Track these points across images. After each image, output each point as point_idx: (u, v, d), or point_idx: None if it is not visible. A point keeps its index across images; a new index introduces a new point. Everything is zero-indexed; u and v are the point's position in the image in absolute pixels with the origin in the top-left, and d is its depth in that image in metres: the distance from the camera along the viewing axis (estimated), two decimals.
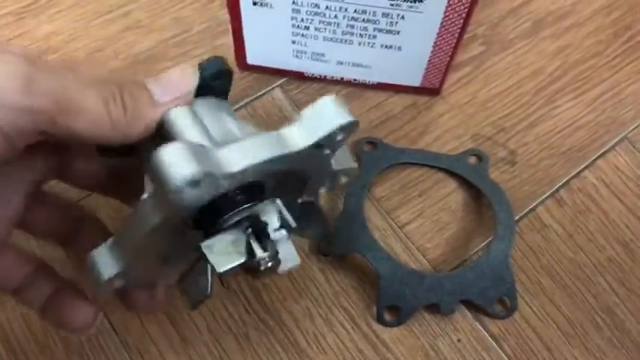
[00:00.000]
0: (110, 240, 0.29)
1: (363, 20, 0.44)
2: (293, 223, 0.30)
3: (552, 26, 0.55)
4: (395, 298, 0.44)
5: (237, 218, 0.29)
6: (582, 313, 0.45)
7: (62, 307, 0.32)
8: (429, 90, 0.51)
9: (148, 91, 0.28)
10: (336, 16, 0.44)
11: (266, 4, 0.44)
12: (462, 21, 0.43)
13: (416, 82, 0.50)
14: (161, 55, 0.52)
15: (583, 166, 0.50)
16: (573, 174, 0.49)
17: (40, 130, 0.25)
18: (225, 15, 0.46)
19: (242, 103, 0.50)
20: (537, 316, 0.44)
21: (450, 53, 0.47)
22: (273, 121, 0.50)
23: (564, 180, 0.49)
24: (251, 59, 0.50)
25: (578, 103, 0.52)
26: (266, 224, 0.30)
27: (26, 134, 0.24)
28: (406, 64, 0.48)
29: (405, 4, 0.42)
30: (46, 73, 0.24)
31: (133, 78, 0.29)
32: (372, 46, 0.47)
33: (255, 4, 0.44)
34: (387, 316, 0.44)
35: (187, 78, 0.29)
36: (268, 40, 0.48)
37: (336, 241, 0.45)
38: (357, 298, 0.44)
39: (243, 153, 0.27)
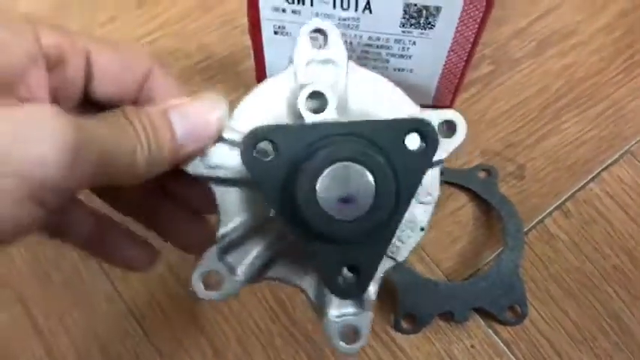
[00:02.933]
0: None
1: (377, 46, 0.47)
2: None
3: (557, 45, 0.58)
4: (412, 306, 0.46)
5: None
6: (590, 319, 0.47)
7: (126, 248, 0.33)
8: (441, 108, 0.53)
9: (171, 130, 0.26)
10: (351, 43, 0.47)
11: (286, 33, 0.47)
12: (470, 45, 0.46)
13: (428, 101, 0.53)
14: (187, 80, 0.55)
15: (588, 179, 0.52)
16: (579, 187, 0.52)
17: (69, 196, 0.24)
18: (246, 41, 0.49)
19: None
20: (547, 323, 0.47)
21: (459, 74, 0.49)
22: None
23: (570, 192, 0.52)
24: None
25: (582, 119, 0.55)
26: None
27: (67, 196, 0.24)
28: (418, 85, 0.51)
29: (416, 31, 0.45)
30: (89, 136, 0.23)
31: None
32: (385, 69, 0.49)
33: (276, 33, 0.47)
34: (405, 324, 0.46)
35: (211, 122, 0.28)
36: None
37: None
38: (375, 308, 0.47)
39: None
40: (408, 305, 0.46)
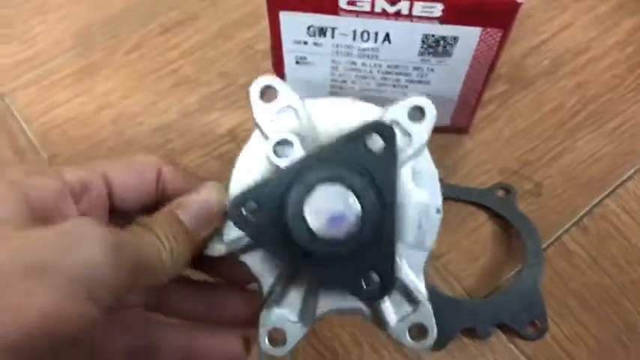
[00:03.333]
0: None
1: (396, 73, 0.48)
2: None
3: (570, 63, 0.59)
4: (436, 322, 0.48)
5: None
6: (609, 333, 0.48)
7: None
8: (458, 129, 0.55)
9: (182, 225, 0.30)
10: (371, 71, 0.48)
11: (308, 63, 0.48)
12: (486, 71, 0.47)
13: (446, 122, 0.54)
14: (209, 107, 0.56)
15: (604, 195, 0.53)
16: (595, 202, 0.53)
17: (119, 295, 0.27)
18: (266, 66, 0.51)
19: None
20: (567, 337, 0.48)
21: (476, 97, 0.51)
22: None
23: (587, 209, 0.53)
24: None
25: (597, 136, 0.56)
26: None
27: (117, 295, 0.26)
28: (436, 107, 0.52)
29: (434, 59, 0.46)
30: (124, 238, 0.27)
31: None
32: (404, 95, 0.51)
33: (297, 63, 0.48)
34: None
35: (212, 206, 0.31)
36: (309, 92, 0.52)
37: None
38: None
39: None
40: None
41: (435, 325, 0.33)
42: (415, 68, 0.47)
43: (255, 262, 0.33)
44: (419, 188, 0.33)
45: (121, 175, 0.32)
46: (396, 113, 0.32)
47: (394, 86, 0.50)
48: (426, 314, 0.33)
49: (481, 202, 0.53)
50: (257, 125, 0.33)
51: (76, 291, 0.24)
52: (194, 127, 0.55)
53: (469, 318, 0.48)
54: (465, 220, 0.52)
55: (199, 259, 0.32)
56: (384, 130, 0.30)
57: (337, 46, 0.46)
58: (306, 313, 0.33)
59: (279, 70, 0.50)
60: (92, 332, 0.27)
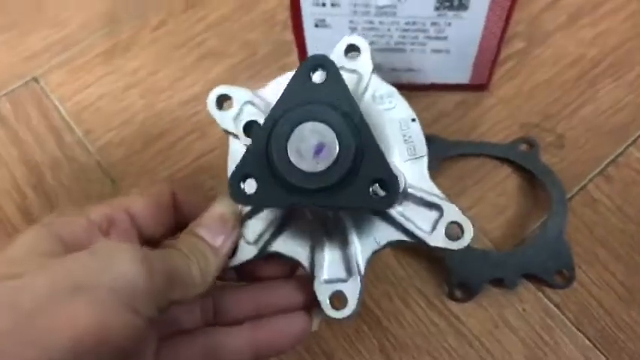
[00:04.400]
0: None
1: (414, 30, 0.49)
2: None
3: (589, 15, 0.59)
4: (463, 276, 0.49)
5: None
6: (637, 279, 0.49)
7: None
8: (478, 86, 0.56)
9: (204, 240, 0.33)
10: (389, 29, 0.49)
11: (326, 25, 0.49)
12: (502, 23, 0.48)
13: (465, 79, 0.55)
14: (234, 78, 0.58)
15: (627, 144, 0.54)
16: (619, 151, 0.53)
17: (158, 304, 0.29)
18: (287, 36, 0.52)
19: None
20: (595, 284, 0.49)
21: (494, 52, 0.51)
22: None
23: (611, 158, 0.53)
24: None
25: (618, 85, 0.56)
26: None
27: (155, 305, 0.29)
28: (455, 64, 0.53)
29: (450, 13, 0.47)
30: (154, 254, 0.30)
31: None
32: (422, 52, 0.52)
33: (316, 25, 0.50)
34: (458, 293, 0.49)
35: (226, 217, 0.34)
36: (329, 55, 0.53)
37: None
38: (429, 279, 0.49)
39: None
40: (459, 275, 0.48)
41: (355, 302, 0.34)
42: (433, 24, 0.48)
43: (284, 246, 0.36)
44: (387, 109, 0.35)
45: (142, 207, 0.35)
46: (335, 60, 0.33)
47: (412, 44, 0.51)
48: (353, 289, 0.34)
49: (505, 157, 0.53)
50: (226, 132, 0.36)
51: (116, 303, 0.26)
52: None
53: (497, 269, 0.49)
54: (489, 174, 0.53)
55: (241, 270, 0.36)
56: (318, 61, 0.31)
57: (355, 5, 0.47)
58: (351, 265, 0.35)
59: (299, 37, 0.51)
60: (141, 344, 0.30)
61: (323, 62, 0.31)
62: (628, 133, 0.54)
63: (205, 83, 0.58)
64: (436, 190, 0.35)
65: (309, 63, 0.31)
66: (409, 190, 0.35)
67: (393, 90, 0.36)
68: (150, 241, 0.36)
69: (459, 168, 0.54)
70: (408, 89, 0.56)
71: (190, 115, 0.56)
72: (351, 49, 0.36)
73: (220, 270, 0.34)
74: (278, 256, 0.36)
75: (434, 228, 0.34)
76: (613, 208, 0.51)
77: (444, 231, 0.34)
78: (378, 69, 0.37)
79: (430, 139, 0.53)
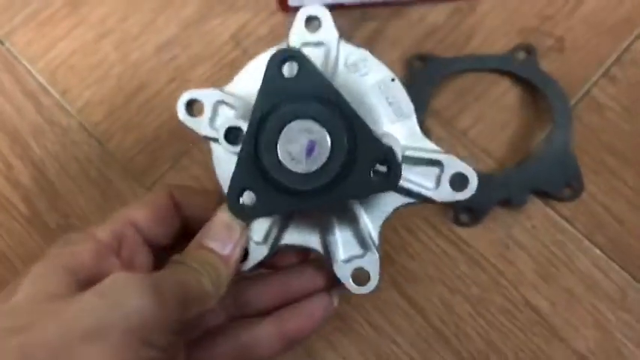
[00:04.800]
0: None
1: None
2: None
3: None
4: (468, 200, 0.47)
5: None
6: None
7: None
8: None
9: (214, 251, 0.33)
10: None
11: None
12: None
13: None
14: (208, 13, 0.54)
15: (632, 38, 0.51)
16: (623, 48, 0.50)
17: (174, 330, 0.29)
18: None
19: None
20: (604, 193, 0.48)
21: None
22: None
23: (615, 56, 0.50)
24: (292, 0, 0.52)
25: None
26: None
27: (170, 333, 0.28)
28: None
29: None
30: (163, 278, 0.29)
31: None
32: None
33: None
34: (464, 218, 0.48)
35: (231, 226, 0.34)
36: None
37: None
38: (433, 207, 0.48)
39: None
40: (463, 201, 0.47)
41: (377, 276, 0.34)
42: None
43: (294, 237, 0.35)
44: (363, 75, 0.34)
45: (144, 216, 0.34)
46: (297, 37, 0.33)
47: None
48: (373, 263, 0.34)
49: (502, 68, 0.51)
50: (205, 138, 0.34)
51: (130, 342, 0.26)
52: (196, 38, 0.54)
53: (503, 189, 0.47)
54: (487, 89, 0.51)
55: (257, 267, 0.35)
56: (285, 54, 0.30)
57: None
58: (365, 239, 0.34)
59: None
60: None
61: (291, 54, 0.30)
62: (631, 28, 0.51)
63: (179, 22, 0.54)
64: (431, 145, 0.34)
65: (277, 58, 0.30)
66: (406, 152, 0.33)
67: (366, 53, 0.34)
68: (160, 248, 0.36)
69: (456, 86, 0.51)
70: (395, 5, 0.53)
71: (167, 61, 0.53)
72: (312, 21, 0.34)
73: (232, 277, 0.34)
74: (291, 248, 0.36)
75: (438, 184, 0.33)
76: (620, 111, 0.49)
77: (448, 184, 0.33)
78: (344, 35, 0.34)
79: (425, 59, 0.51)
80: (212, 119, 0.34)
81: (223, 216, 0.34)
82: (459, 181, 0.33)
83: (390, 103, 0.33)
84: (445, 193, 0.33)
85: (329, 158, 0.29)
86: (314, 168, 0.29)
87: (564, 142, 0.48)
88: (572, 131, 0.48)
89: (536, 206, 0.48)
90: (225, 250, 0.33)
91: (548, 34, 0.51)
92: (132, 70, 0.53)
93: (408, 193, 0.34)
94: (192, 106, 0.35)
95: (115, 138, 0.52)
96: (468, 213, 0.48)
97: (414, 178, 0.33)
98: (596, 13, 0.51)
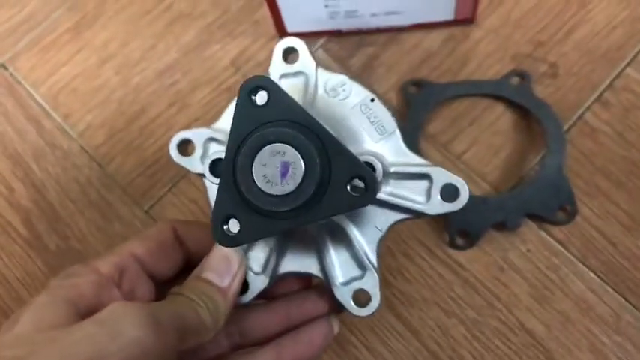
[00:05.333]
0: None
1: None
2: None
3: None
4: (463, 223, 0.48)
5: None
6: None
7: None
8: (463, 20, 0.53)
9: (212, 283, 0.33)
10: None
11: None
12: None
13: (449, 15, 0.52)
14: (209, 39, 0.56)
15: (624, 64, 0.51)
16: (615, 74, 0.51)
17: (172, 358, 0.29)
18: None
19: None
20: (598, 216, 0.48)
21: None
22: None
23: (607, 82, 0.51)
24: (290, 27, 0.53)
25: (611, 2, 0.53)
26: None
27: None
28: (437, 1, 0.50)
29: None
30: (162, 308, 0.30)
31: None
32: None
33: None
34: (459, 241, 0.48)
35: (231, 258, 0.34)
36: (303, 8, 0.51)
37: None
38: (429, 230, 0.49)
39: None
40: (459, 223, 0.48)
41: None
42: None
43: (292, 264, 0.36)
44: (343, 98, 0.35)
45: (146, 249, 0.35)
46: (276, 69, 0.34)
47: None
48: (372, 282, 0.34)
49: (496, 93, 0.51)
50: (200, 175, 0.35)
51: None
52: (196, 63, 0.55)
53: (497, 213, 0.48)
54: (481, 114, 0.51)
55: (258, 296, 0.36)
56: (255, 83, 0.30)
57: None
58: (362, 260, 0.35)
59: None
60: None
61: (260, 83, 0.30)
62: (624, 54, 0.52)
63: (180, 48, 0.56)
64: (419, 160, 0.34)
65: (246, 88, 0.30)
66: (392, 168, 0.34)
67: (344, 77, 0.35)
68: (162, 281, 0.36)
69: (451, 111, 0.52)
70: (391, 32, 0.54)
71: (168, 85, 0.54)
72: (289, 53, 0.35)
73: (230, 309, 0.34)
74: (291, 275, 0.36)
75: (429, 197, 0.34)
76: (613, 135, 0.50)
77: (439, 197, 0.33)
78: (320, 63, 0.36)
79: (420, 84, 0.52)
80: (203, 156, 0.36)
81: (222, 248, 0.34)
82: (449, 193, 0.33)
83: (372, 123, 0.34)
84: (436, 206, 0.33)
85: (303, 177, 0.29)
86: (290, 189, 0.29)
87: (558, 166, 0.48)
88: (565, 155, 0.49)
89: (530, 230, 0.48)
90: (224, 283, 0.33)
91: (541, 60, 0.52)
92: (133, 94, 0.54)
93: (400, 209, 0.34)
94: (184, 147, 0.36)
95: (116, 161, 0.53)
96: (464, 236, 0.48)
97: (405, 194, 0.34)
98: (588, 39, 0.52)
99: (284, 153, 0.29)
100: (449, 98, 0.52)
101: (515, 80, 0.51)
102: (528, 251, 0.48)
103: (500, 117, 0.51)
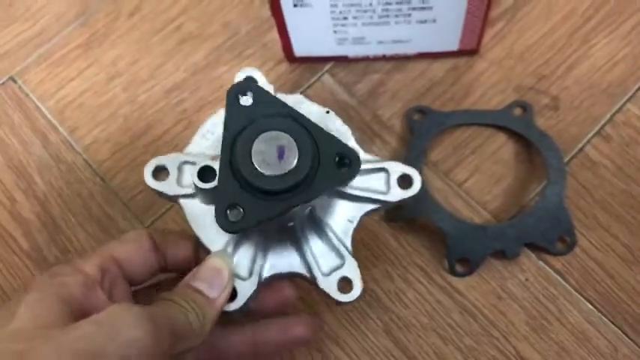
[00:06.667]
0: None
1: (397, 2, 0.47)
2: None
3: None
4: (463, 251, 0.48)
5: None
6: (639, 240, 0.48)
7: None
8: (468, 51, 0.54)
9: (201, 292, 0.34)
10: (370, 4, 0.47)
11: (306, 4, 0.47)
12: None
13: (454, 46, 0.53)
14: (217, 60, 0.56)
15: (625, 100, 0.52)
16: (616, 109, 0.52)
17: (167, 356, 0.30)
18: (268, 12, 0.50)
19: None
20: (597, 248, 0.48)
21: (482, 15, 0.49)
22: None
23: (608, 116, 0.52)
24: (298, 52, 0.54)
25: (613, 39, 0.54)
26: None
27: None
28: (442, 32, 0.51)
29: None
30: (156, 308, 0.31)
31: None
32: (408, 23, 0.50)
33: (295, 5, 0.48)
34: (459, 268, 0.48)
35: (220, 269, 0.36)
36: (312, 33, 0.52)
37: (401, 208, 0.49)
38: (429, 256, 0.49)
39: None
40: (458, 251, 0.48)
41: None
42: None
43: (277, 266, 0.38)
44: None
45: (125, 253, 0.37)
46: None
47: (397, 16, 0.49)
48: (353, 269, 0.38)
49: (498, 124, 0.52)
50: (175, 197, 0.38)
51: None
52: (204, 83, 0.56)
53: (497, 241, 0.48)
54: (483, 143, 0.52)
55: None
56: (240, 88, 0.34)
57: None
58: (340, 250, 0.38)
59: (278, 17, 0.49)
60: None
61: (245, 87, 0.35)
62: (625, 90, 0.53)
63: (188, 67, 0.56)
64: (375, 157, 0.40)
65: (232, 92, 0.34)
66: None
67: (300, 97, 0.40)
68: (136, 284, 0.38)
69: (453, 139, 0.52)
70: (397, 60, 0.55)
71: (175, 104, 0.55)
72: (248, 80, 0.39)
73: (216, 319, 0.35)
74: (276, 278, 0.38)
75: (389, 187, 0.39)
76: (613, 169, 0.50)
77: (397, 186, 0.38)
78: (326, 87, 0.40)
79: (424, 112, 0.52)
80: (179, 179, 0.38)
81: (213, 261, 0.36)
82: (405, 181, 0.38)
83: (330, 131, 0.36)
84: (396, 194, 0.38)
85: (299, 155, 0.33)
86: (289, 167, 0.33)
87: (558, 197, 0.49)
88: (566, 187, 0.49)
89: (529, 259, 0.48)
90: (213, 293, 0.35)
91: (543, 92, 0.53)
92: (140, 111, 0.55)
93: (367, 200, 0.38)
94: (159, 173, 0.38)
95: (119, 176, 0.53)
96: (463, 263, 0.48)
97: (368, 186, 0.38)
98: (590, 74, 0.53)
99: (278, 138, 0.33)
100: (452, 126, 0.52)
101: (517, 111, 0.52)
102: (527, 280, 0.48)
103: (502, 147, 0.52)
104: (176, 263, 0.38)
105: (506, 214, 0.50)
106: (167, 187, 0.38)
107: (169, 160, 0.38)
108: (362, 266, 0.47)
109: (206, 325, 0.33)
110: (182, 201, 0.38)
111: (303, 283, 0.39)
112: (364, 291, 0.37)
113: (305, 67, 0.56)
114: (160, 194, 0.38)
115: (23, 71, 0.57)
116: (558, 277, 0.48)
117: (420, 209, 0.49)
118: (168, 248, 0.38)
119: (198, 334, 0.33)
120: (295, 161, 0.33)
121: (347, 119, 0.42)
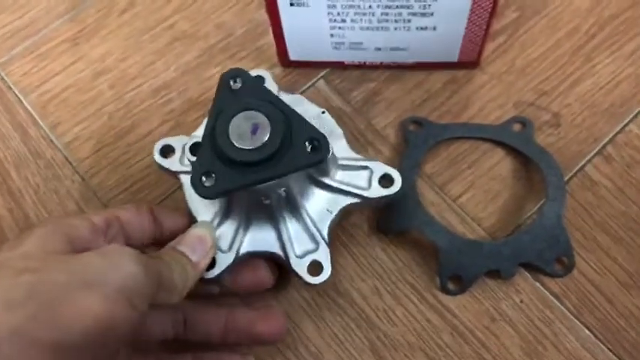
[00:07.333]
0: None
1: (397, 7, 0.46)
2: None
3: None
4: (456, 268, 0.46)
5: None
6: (639, 264, 0.46)
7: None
8: (467, 63, 0.52)
9: (186, 255, 0.38)
10: (370, 7, 0.46)
11: (302, 4, 0.46)
12: None
13: (453, 57, 0.51)
14: (209, 62, 0.55)
15: (627, 120, 0.51)
16: (618, 129, 0.50)
17: (149, 302, 0.33)
18: (263, 15, 0.49)
19: None
20: (595, 271, 0.46)
21: (484, 27, 0.48)
22: None
23: (610, 136, 0.50)
24: (293, 55, 0.52)
25: (616, 58, 0.53)
26: None
27: (148, 301, 0.33)
28: (442, 42, 0.50)
29: None
30: (148, 258, 0.34)
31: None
32: (407, 30, 0.48)
33: (292, 4, 0.46)
34: (451, 286, 0.46)
35: (204, 237, 0.39)
36: (308, 36, 0.50)
37: (393, 219, 0.47)
38: (420, 272, 0.47)
39: None
40: (451, 268, 0.46)
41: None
42: None
43: (254, 243, 0.42)
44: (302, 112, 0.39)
45: (127, 215, 0.39)
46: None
47: (396, 21, 0.47)
48: (324, 254, 0.41)
49: (496, 139, 0.50)
50: (178, 173, 0.43)
51: (121, 299, 0.30)
52: (193, 84, 0.54)
53: (492, 260, 0.46)
54: (480, 158, 0.50)
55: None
56: (233, 74, 0.39)
57: None
58: (315, 236, 0.42)
59: (274, 17, 0.48)
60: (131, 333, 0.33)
61: (237, 74, 0.39)
62: (627, 110, 0.51)
63: (178, 67, 0.55)
64: (360, 156, 0.44)
65: (226, 77, 0.39)
66: (341, 161, 0.43)
67: (300, 97, 0.45)
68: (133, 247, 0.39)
69: (449, 152, 0.51)
70: (394, 69, 0.53)
71: (162, 103, 0.53)
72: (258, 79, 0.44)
73: (196, 282, 0.38)
74: (254, 255, 0.42)
75: (370, 184, 0.42)
76: (613, 190, 0.48)
77: (377, 184, 0.42)
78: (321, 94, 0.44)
79: (420, 123, 0.51)
80: (181, 158, 0.43)
81: (198, 230, 0.40)
82: (386, 181, 0.42)
83: (324, 129, 0.39)
84: (376, 191, 0.42)
85: (270, 134, 0.36)
86: (259, 144, 0.36)
87: (557, 216, 0.47)
88: (565, 206, 0.47)
89: (525, 280, 0.46)
90: (195, 257, 0.38)
91: (544, 109, 0.51)
92: (125, 109, 0.53)
93: (347, 194, 0.42)
94: (166, 152, 0.43)
95: (99, 175, 0.51)
96: (456, 281, 0.46)
97: (351, 181, 0.42)
98: (592, 93, 0.52)
99: (254, 117, 0.37)
100: (448, 139, 0.50)
101: (516, 127, 0.51)
102: (522, 302, 0.46)
103: (500, 162, 0.50)
104: (171, 236, 0.40)
105: (503, 232, 0.48)
106: (171, 163, 0.43)
107: (175, 141, 0.43)
108: (350, 280, 0.46)
109: (186, 285, 0.36)
110: (182, 176, 0.43)
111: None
112: (332, 276, 0.40)
113: (299, 72, 0.54)
114: (165, 170, 0.43)
115: (7, 63, 0.55)
116: (555, 301, 0.46)
117: (412, 221, 0.47)
118: (165, 220, 0.41)
119: (179, 291, 0.36)
120: (266, 138, 0.36)
121: (340, 126, 0.45)
